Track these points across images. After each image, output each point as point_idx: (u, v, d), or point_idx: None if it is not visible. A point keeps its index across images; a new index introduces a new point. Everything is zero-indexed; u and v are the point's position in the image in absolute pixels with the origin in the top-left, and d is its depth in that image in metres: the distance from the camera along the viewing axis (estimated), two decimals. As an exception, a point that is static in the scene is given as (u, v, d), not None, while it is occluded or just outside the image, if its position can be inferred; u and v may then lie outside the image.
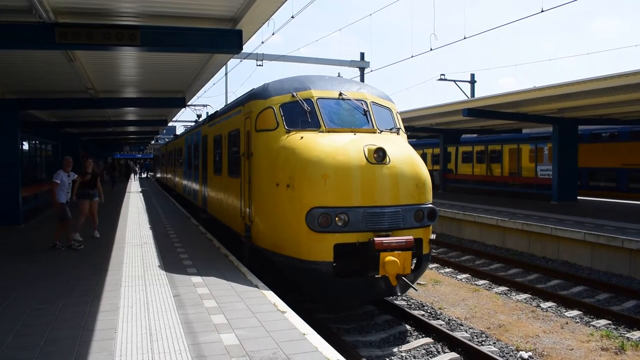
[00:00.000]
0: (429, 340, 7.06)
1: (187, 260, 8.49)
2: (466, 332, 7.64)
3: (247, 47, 16.38)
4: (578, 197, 20.16)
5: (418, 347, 6.85)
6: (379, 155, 6.87)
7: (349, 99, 8.07)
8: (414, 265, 7.16)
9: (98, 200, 11.05)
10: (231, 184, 9.88)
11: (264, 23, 8.33)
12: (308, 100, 7.82)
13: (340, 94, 8.08)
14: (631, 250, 10.81)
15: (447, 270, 12.06)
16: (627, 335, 7.59)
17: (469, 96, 29.28)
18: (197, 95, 17.53)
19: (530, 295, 9.70)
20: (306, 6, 16.11)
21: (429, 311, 8.61)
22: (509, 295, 9.80)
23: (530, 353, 6.84)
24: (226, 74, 37.01)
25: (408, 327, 7.62)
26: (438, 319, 8.22)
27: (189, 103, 19.37)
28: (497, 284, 10.65)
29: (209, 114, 15.74)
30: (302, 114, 7.73)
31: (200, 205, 14.69)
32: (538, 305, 9.08)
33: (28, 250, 9.60)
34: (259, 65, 22.13)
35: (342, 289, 6.94)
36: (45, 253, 9.27)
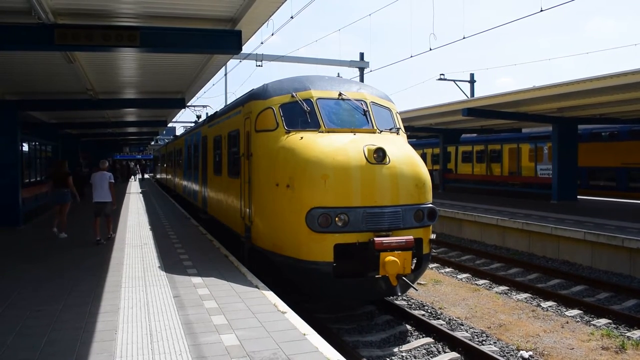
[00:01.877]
0: (429, 340, 7.06)
1: (187, 261, 8.49)
2: (467, 331, 7.64)
3: (246, 48, 16.37)
4: (578, 197, 20.16)
5: (418, 347, 6.85)
6: (379, 155, 6.87)
7: (349, 99, 8.07)
8: (414, 265, 7.16)
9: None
10: (231, 185, 9.88)
11: (263, 23, 8.33)
12: (308, 101, 7.82)
13: (340, 94, 8.08)
14: (631, 249, 10.82)
15: (447, 270, 12.05)
16: (628, 334, 7.58)
17: (469, 96, 29.29)
18: (196, 96, 17.56)
19: (530, 295, 9.70)
20: (305, 6, 16.14)
21: (429, 311, 8.61)
22: (509, 294, 9.80)
23: (530, 352, 6.84)
24: (226, 75, 37.11)
25: (408, 327, 7.62)
26: (438, 318, 8.22)
27: (188, 104, 19.37)
28: (498, 283, 10.65)
29: (209, 114, 15.74)
30: (301, 114, 7.73)
31: (200, 206, 14.69)
32: (538, 305, 9.08)
33: (28, 252, 9.60)
34: (259, 65, 22.15)
35: (342, 289, 6.94)
36: (44, 254, 9.26)
